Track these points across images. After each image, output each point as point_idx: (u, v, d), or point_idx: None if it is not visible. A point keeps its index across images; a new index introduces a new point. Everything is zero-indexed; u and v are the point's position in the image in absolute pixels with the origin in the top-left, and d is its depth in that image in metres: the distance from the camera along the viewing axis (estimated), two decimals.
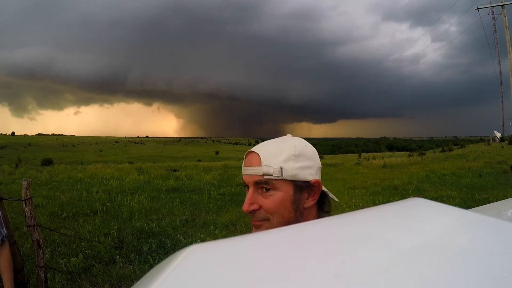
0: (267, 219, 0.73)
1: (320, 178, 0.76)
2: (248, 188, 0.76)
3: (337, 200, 0.82)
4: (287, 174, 0.71)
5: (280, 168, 0.71)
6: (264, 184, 0.72)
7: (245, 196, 0.76)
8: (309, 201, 0.75)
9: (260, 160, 0.73)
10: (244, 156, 0.78)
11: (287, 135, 0.81)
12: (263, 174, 0.71)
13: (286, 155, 0.72)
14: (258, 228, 0.74)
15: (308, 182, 0.73)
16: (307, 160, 0.74)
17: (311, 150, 0.77)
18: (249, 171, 0.74)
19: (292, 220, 0.72)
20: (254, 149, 0.76)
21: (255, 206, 0.73)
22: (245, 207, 0.73)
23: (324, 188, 0.78)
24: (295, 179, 0.72)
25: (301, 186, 0.73)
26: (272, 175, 0.71)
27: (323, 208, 0.80)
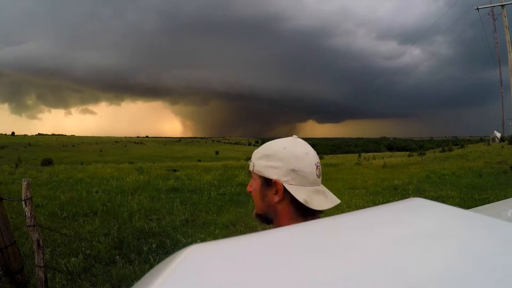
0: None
1: (288, 180, 0.83)
2: None
3: (312, 207, 0.82)
4: (256, 169, 0.88)
5: (253, 163, 0.89)
6: (250, 174, 0.93)
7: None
8: (275, 197, 0.85)
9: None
10: None
11: (293, 136, 0.93)
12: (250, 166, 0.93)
13: (261, 154, 0.89)
14: None
15: (271, 180, 0.85)
16: (276, 161, 0.85)
17: (287, 153, 0.85)
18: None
19: (261, 207, 0.89)
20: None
21: (249, 188, 0.94)
22: (248, 188, 0.94)
23: (297, 194, 0.82)
24: (261, 175, 0.87)
25: (267, 182, 0.87)
26: (250, 168, 0.91)
27: (304, 209, 0.83)
